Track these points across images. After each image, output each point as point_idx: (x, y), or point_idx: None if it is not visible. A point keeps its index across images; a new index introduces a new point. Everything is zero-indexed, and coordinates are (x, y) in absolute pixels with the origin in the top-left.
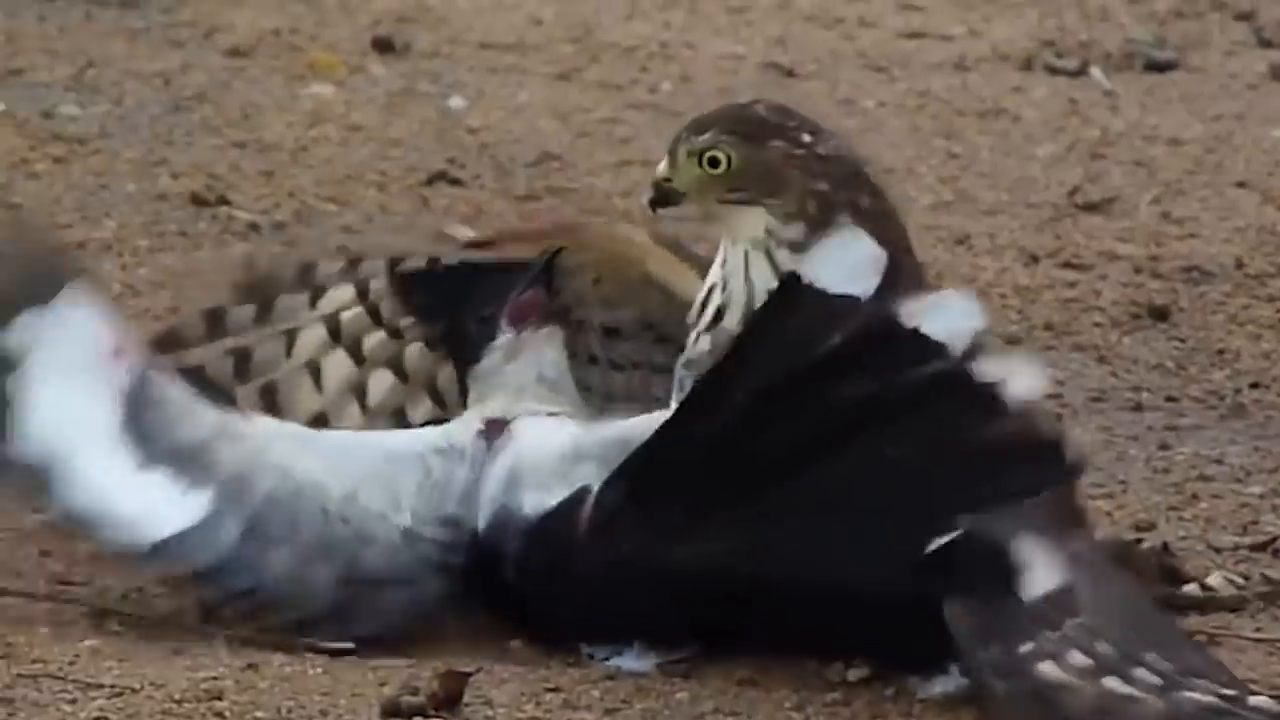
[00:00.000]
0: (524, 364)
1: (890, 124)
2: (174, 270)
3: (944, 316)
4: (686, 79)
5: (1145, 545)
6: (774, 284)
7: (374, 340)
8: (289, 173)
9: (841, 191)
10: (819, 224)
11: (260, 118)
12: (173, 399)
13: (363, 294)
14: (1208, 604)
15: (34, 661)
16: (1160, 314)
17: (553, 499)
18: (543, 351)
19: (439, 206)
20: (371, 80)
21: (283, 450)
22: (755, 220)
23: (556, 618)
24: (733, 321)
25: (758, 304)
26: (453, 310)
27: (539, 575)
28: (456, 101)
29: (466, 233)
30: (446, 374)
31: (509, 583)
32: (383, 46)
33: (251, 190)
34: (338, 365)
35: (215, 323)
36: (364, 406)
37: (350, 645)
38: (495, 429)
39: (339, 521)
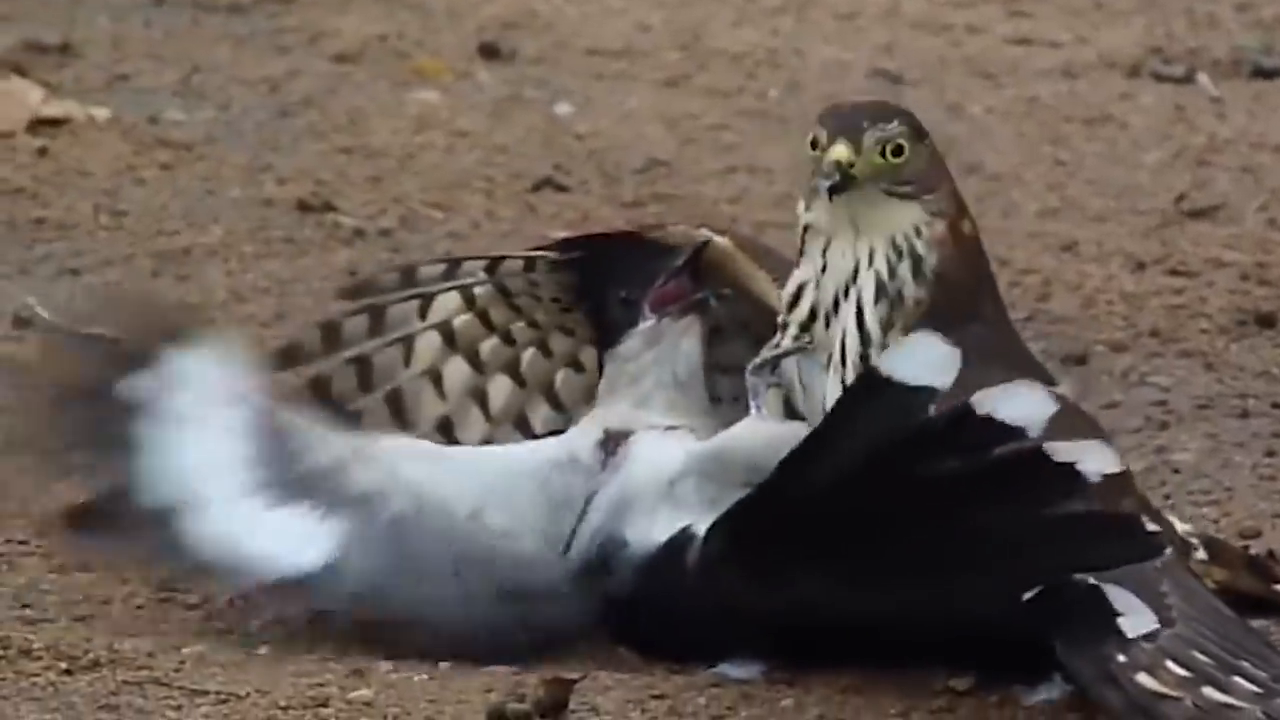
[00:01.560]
0: (662, 353)
1: (997, 130)
2: (280, 276)
3: (1015, 403)
4: (795, 85)
5: (1252, 552)
6: (880, 287)
7: (489, 346)
8: (395, 179)
9: (960, 197)
10: (955, 224)
11: (366, 123)
12: (302, 427)
13: (469, 300)
14: None
15: (139, 668)
16: (1267, 321)
17: (656, 527)
18: (680, 343)
19: (545, 213)
20: (477, 86)
21: (413, 470)
22: (908, 214)
23: (662, 643)
24: (827, 317)
25: (845, 308)
26: (595, 293)
27: (644, 609)
28: (563, 108)
29: None
30: (563, 377)
31: (615, 608)
32: (489, 52)
33: (357, 196)
34: (457, 372)
35: (331, 335)
36: (487, 412)
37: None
38: (614, 442)
39: (464, 541)
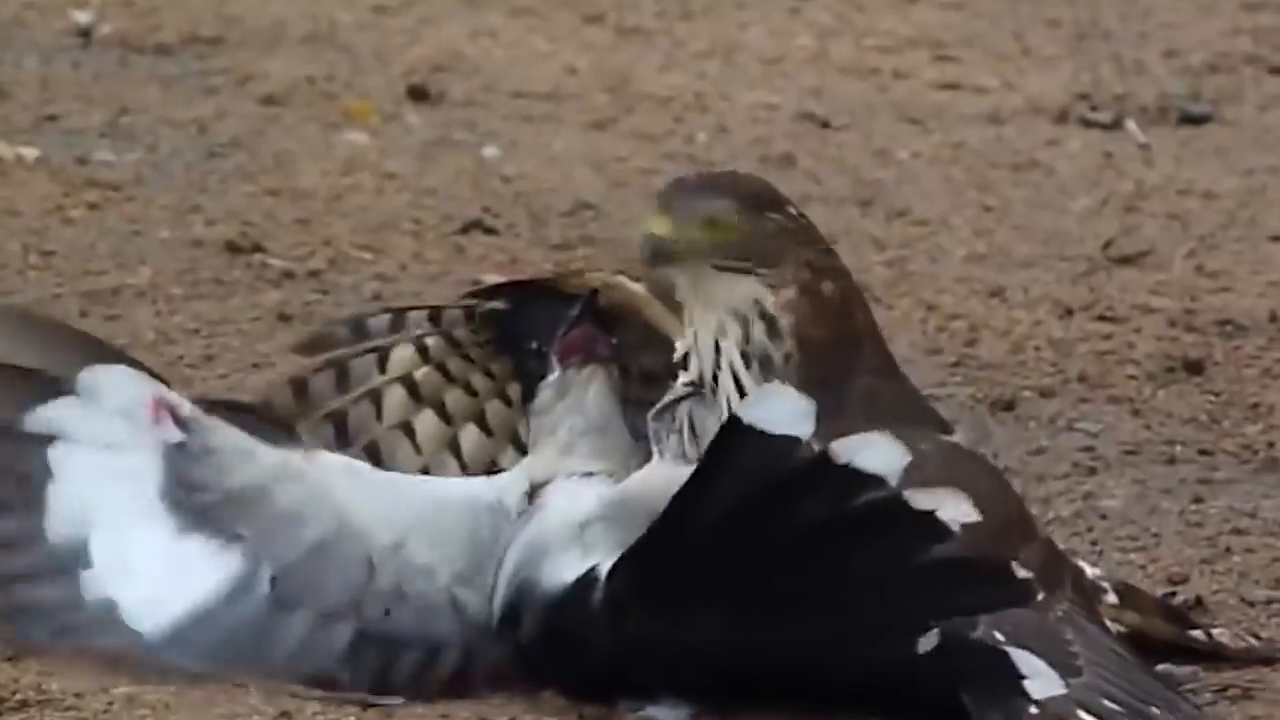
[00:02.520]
0: (572, 403)
1: (925, 176)
2: (209, 317)
3: (872, 453)
4: (722, 129)
5: (1179, 599)
6: (744, 355)
7: (453, 398)
8: (323, 220)
9: (825, 256)
10: (809, 291)
11: (295, 165)
12: (226, 446)
13: (422, 350)
14: (1216, 652)
15: (67, 709)
16: (1194, 367)
17: (565, 569)
18: (587, 392)
19: (474, 255)
20: (406, 129)
21: (342, 490)
22: (744, 289)
23: (578, 684)
24: (709, 381)
25: (723, 376)
26: (515, 344)
27: (556, 650)
28: (491, 150)
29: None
30: (525, 424)
31: (529, 651)
32: (417, 95)
33: (286, 238)
34: (428, 424)
35: (301, 391)
36: (461, 462)
37: (398, 700)
38: (537, 492)
39: (381, 574)
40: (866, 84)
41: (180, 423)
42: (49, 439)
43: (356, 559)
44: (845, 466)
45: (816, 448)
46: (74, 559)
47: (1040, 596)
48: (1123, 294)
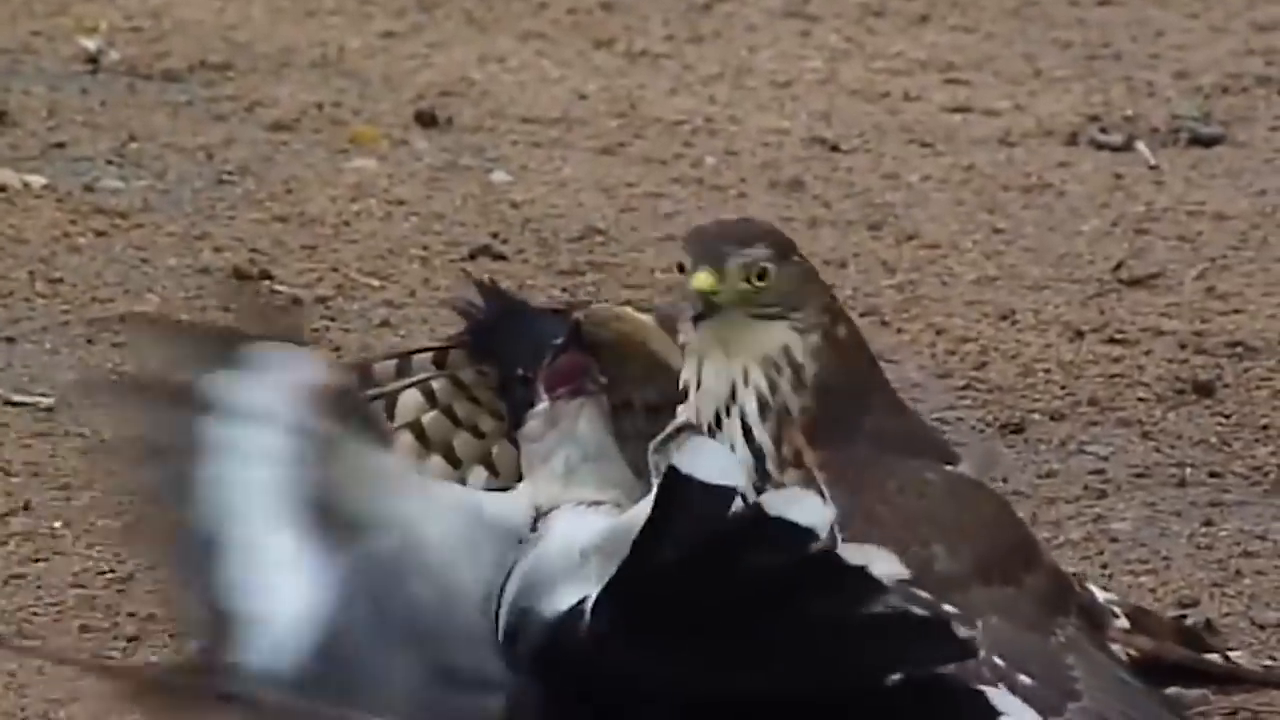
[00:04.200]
0: (564, 434)
1: (935, 198)
2: None
3: (802, 507)
4: (731, 153)
5: (1189, 621)
6: (761, 404)
7: (461, 441)
8: (331, 247)
9: (834, 303)
10: (830, 335)
11: (303, 192)
12: (364, 455)
13: (429, 396)
14: (1231, 675)
15: None
16: (1205, 390)
17: (561, 600)
18: (577, 424)
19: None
20: (414, 154)
21: (433, 513)
22: (776, 335)
23: (571, 713)
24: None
25: (729, 422)
26: (501, 368)
27: (548, 679)
28: (500, 176)
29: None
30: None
31: (523, 680)
32: (426, 120)
33: (294, 264)
34: (437, 469)
35: None
36: None
37: None
38: (541, 518)
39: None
40: (876, 107)
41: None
42: (210, 408)
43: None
44: (779, 520)
45: (749, 500)
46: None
47: (980, 656)
48: (1133, 316)
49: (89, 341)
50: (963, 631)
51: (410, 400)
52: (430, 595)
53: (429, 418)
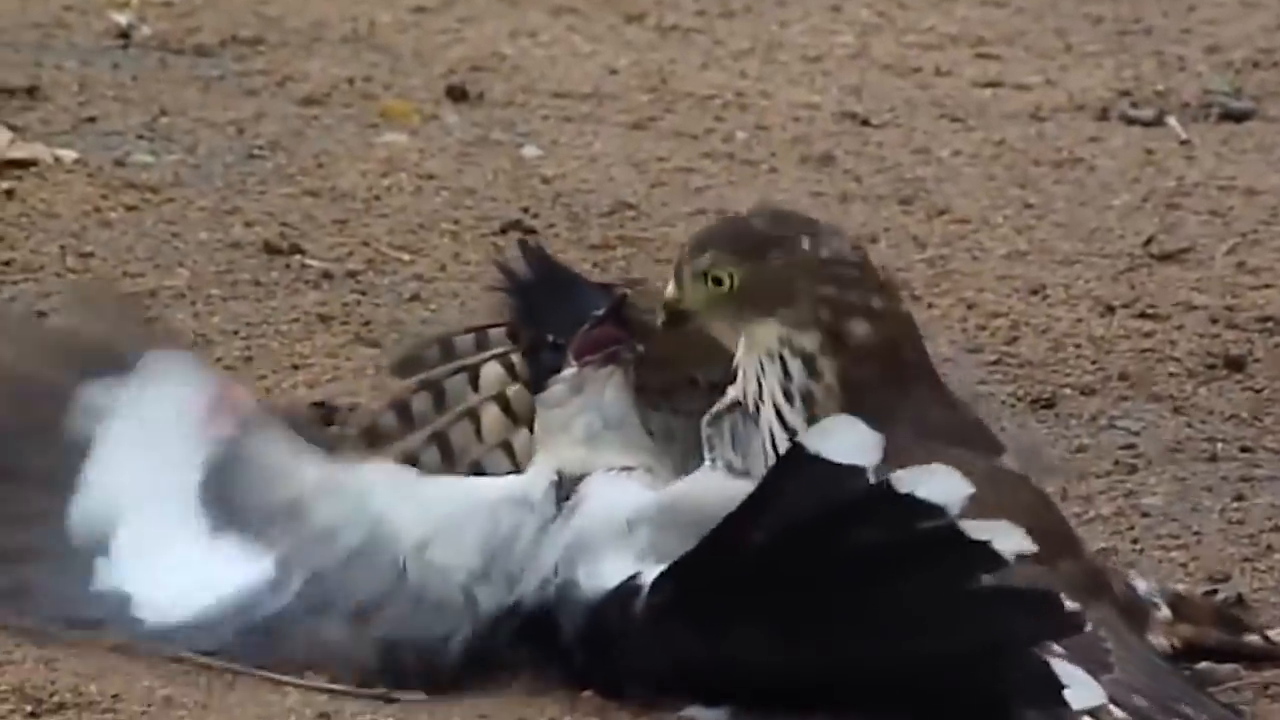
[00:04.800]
0: (588, 400)
1: (966, 173)
2: (248, 319)
3: (934, 483)
4: (762, 128)
5: (1220, 596)
6: (785, 392)
7: None
8: (362, 221)
9: (851, 293)
10: (833, 330)
11: (334, 166)
12: (270, 456)
13: (509, 368)
14: (1267, 653)
15: (105, 711)
16: (1236, 364)
17: (608, 571)
18: (604, 391)
19: (512, 255)
20: (445, 129)
21: (380, 499)
22: (769, 330)
23: (617, 686)
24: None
25: (765, 408)
26: (534, 329)
27: (595, 653)
28: (531, 150)
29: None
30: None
31: (566, 652)
32: (457, 95)
33: (324, 239)
34: (524, 442)
35: (405, 414)
36: None
37: (422, 696)
38: (569, 484)
39: (406, 577)
40: (907, 82)
41: (237, 422)
42: (99, 414)
43: (384, 565)
44: (908, 496)
45: (878, 478)
46: (93, 545)
47: (1089, 629)
48: (1164, 291)
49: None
50: (1069, 605)
51: (492, 373)
52: (368, 574)
53: (514, 391)
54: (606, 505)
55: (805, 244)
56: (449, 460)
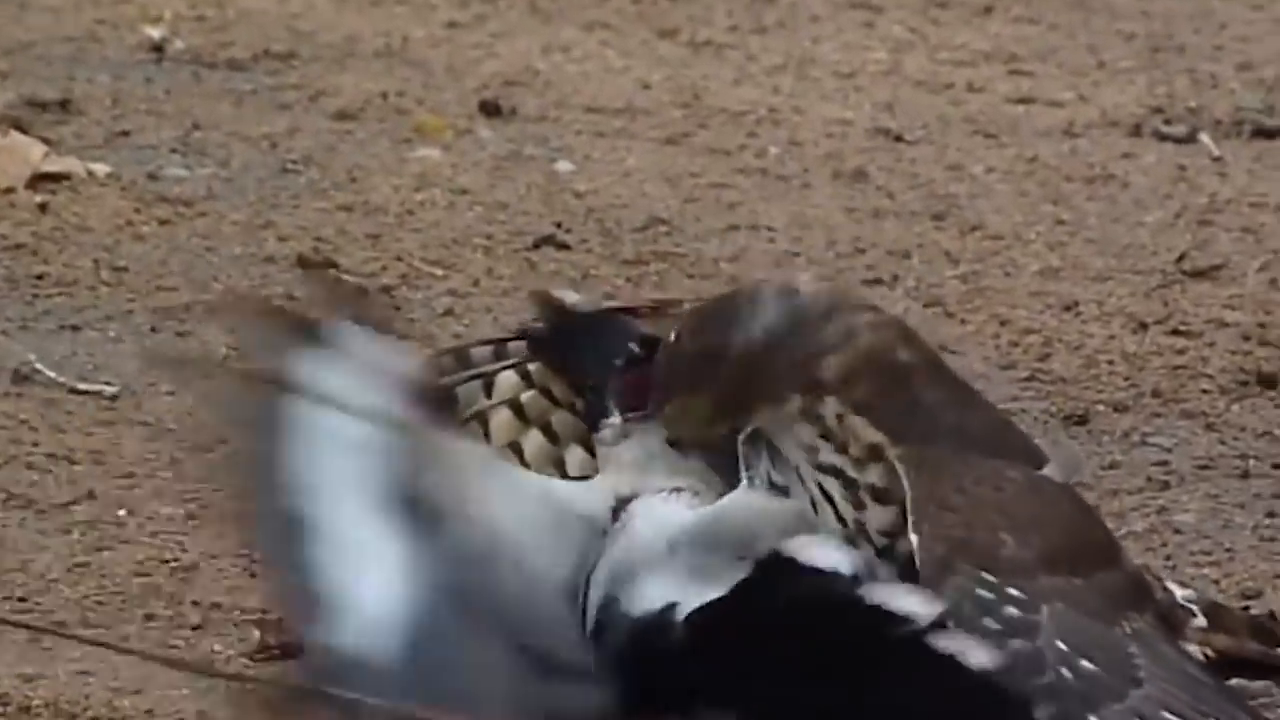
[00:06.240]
0: (635, 445)
1: (998, 190)
2: None
3: (907, 595)
4: (795, 144)
5: (1252, 613)
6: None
7: (558, 418)
8: (395, 236)
9: (798, 350)
10: (806, 388)
11: (367, 180)
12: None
13: (525, 376)
14: None
15: None
16: (1268, 381)
17: (651, 595)
18: (650, 439)
19: (545, 271)
20: (478, 144)
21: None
22: (762, 421)
23: (655, 708)
24: None
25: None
26: (574, 368)
27: (633, 674)
28: (564, 165)
29: (573, 298)
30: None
31: (609, 671)
32: (490, 110)
33: (358, 253)
34: (535, 443)
35: None
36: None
37: None
38: (622, 506)
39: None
40: (940, 98)
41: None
42: (298, 391)
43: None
44: (879, 606)
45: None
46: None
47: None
48: (1196, 308)
49: (153, 330)
50: (1041, 715)
51: (507, 380)
52: (516, 584)
53: (527, 396)
54: (651, 527)
55: (736, 346)
56: None
